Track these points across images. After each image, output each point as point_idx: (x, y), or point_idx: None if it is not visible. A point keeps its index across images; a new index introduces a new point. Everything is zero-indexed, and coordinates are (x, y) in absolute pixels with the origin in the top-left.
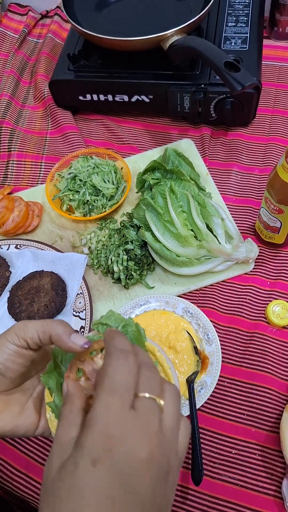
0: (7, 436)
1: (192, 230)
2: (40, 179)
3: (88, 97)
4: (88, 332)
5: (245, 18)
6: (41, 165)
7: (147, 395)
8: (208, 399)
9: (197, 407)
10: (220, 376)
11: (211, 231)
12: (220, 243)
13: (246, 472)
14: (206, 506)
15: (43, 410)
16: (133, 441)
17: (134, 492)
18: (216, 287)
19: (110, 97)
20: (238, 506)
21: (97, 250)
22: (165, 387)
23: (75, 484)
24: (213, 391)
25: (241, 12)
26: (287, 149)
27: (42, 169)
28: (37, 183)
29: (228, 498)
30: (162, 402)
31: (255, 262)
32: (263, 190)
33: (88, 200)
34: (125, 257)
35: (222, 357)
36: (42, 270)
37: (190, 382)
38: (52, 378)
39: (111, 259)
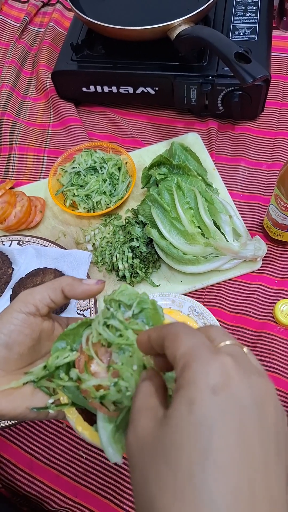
0: (19, 419)
1: (199, 227)
2: (42, 174)
3: (92, 88)
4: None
5: (254, 7)
6: (43, 158)
7: (228, 342)
8: None
9: None
10: None
11: (218, 229)
12: (227, 240)
13: None
14: None
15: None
16: (247, 372)
17: (264, 429)
18: (223, 286)
19: (114, 89)
20: None
21: (102, 247)
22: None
23: (198, 420)
24: None
25: (250, 0)
26: None
27: (45, 163)
28: (39, 178)
29: None
30: (245, 349)
31: (263, 260)
32: (272, 186)
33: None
34: (130, 254)
35: None
36: (46, 267)
37: None
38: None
39: (116, 257)
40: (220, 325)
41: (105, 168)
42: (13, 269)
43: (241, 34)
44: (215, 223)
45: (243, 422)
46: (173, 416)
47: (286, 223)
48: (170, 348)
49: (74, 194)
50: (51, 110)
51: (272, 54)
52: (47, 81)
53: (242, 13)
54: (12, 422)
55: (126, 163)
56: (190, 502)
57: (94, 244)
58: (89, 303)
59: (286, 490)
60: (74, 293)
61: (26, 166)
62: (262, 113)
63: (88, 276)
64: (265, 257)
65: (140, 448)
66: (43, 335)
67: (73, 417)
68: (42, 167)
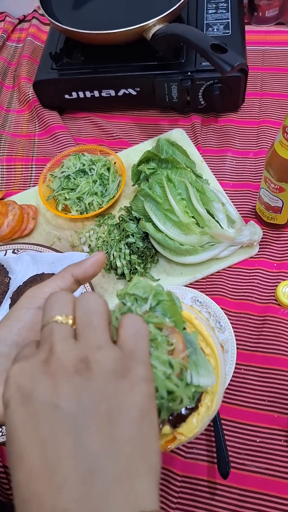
0: None
1: (193, 217)
2: (32, 182)
3: (74, 94)
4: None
5: (225, 4)
6: (31, 167)
7: (49, 320)
8: (227, 388)
9: None
10: (236, 363)
11: (213, 217)
12: (222, 228)
13: (274, 460)
14: (236, 500)
15: None
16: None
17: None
18: (222, 274)
19: (96, 93)
20: (269, 496)
21: (98, 247)
22: (78, 298)
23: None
24: (231, 380)
25: None
26: (283, 125)
27: (33, 172)
28: (29, 186)
29: (258, 489)
30: (69, 320)
31: (260, 245)
32: (260, 173)
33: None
34: (127, 251)
35: (237, 344)
36: (43, 272)
37: None
38: None
39: (113, 255)
40: (224, 313)
41: (94, 169)
42: (10, 278)
43: (215, 30)
44: (208, 212)
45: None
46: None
47: (278, 205)
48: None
49: (66, 198)
50: (36, 120)
51: (247, 48)
52: (29, 92)
53: (214, 11)
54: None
55: (115, 163)
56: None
57: (90, 245)
58: (84, 286)
59: (101, 445)
60: (83, 269)
61: (15, 176)
62: (243, 104)
63: None
64: (261, 242)
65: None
66: None
67: None
68: (31, 176)
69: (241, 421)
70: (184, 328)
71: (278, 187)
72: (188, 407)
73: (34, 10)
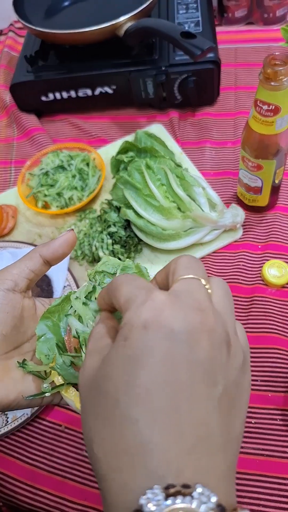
0: (13, 408)
1: (174, 202)
2: (11, 183)
3: (51, 96)
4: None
5: (195, 5)
6: (10, 169)
7: (186, 276)
8: None
9: None
10: None
11: (194, 202)
12: (204, 211)
13: (270, 440)
14: (235, 484)
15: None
16: (183, 306)
17: (194, 358)
18: (208, 259)
19: (73, 93)
20: (267, 477)
21: (79, 240)
22: (210, 277)
23: (127, 354)
24: None
25: (189, 0)
26: (255, 99)
27: (13, 173)
28: (8, 187)
29: (256, 471)
30: (208, 286)
31: (243, 229)
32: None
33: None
34: (110, 241)
35: None
36: None
37: None
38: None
39: (95, 246)
40: None
41: (73, 164)
42: None
43: (186, 28)
44: (189, 197)
45: (170, 352)
46: (110, 353)
47: (258, 185)
48: (115, 301)
49: (45, 195)
50: (14, 125)
51: (220, 47)
52: (7, 99)
53: (184, 11)
54: (4, 431)
55: (94, 159)
56: (116, 425)
57: None
58: (67, 280)
59: (221, 418)
60: (52, 249)
61: None
62: (219, 98)
63: (69, 271)
64: (244, 226)
65: (85, 385)
66: (25, 314)
67: (71, 397)
68: (10, 177)
69: None
70: None
71: (256, 164)
72: None
73: (11, 24)
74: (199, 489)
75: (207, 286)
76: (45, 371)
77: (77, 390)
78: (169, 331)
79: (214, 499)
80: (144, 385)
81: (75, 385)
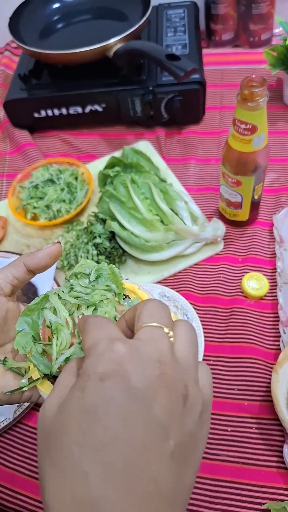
0: None
1: (157, 215)
2: (3, 195)
3: (43, 113)
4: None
5: (183, 28)
6: (2, 182)
7: (150, 324)
8: None
9: None
10: (204, 355)
11: (176, 215)
12: (186, 224)
13: (245, 448)
14: (209, 491)
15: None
16: (142, 359)
17: (150, 415)
18: (189, 271)
19: (64, 111)
20: (242, 484)
21: (66, 251)
22: (176, 322)
23: (83, 406)
24: None
25: (178, 23)
26: (233, 118)
27: (4, 186)
28: (0, 199)
29: (231, 478)
30: (171, 333)
31: (224, 242)
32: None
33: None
34: (95, 252)
35: (205, 336)
36: None
37: None
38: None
39: (80, 256)
40: (193, 307)
41: (61, 178)
42: None
43: (174, 50)
44: (172, 210)
45: (127, 408)
46: (67, 402)
47: (238, 200)
48: (83, 341)
49: (35, 207)
50: (7, 140)
51: (206, 68)
52: (0, 115)
53: (173, 34)
54: None
55: (83, 173)
56: (69, 477)
57: None
58: (53, 289)
59: (172, 473)
60: (35, 260)
61: None
62: (205, 117)
63: (55, 280)
64: (225, 239)
65: (43, 431)
66: (9, 315)
67: (47, 391)
68: (1, 190)
69: (212, 412)
70: (127, 296)
71: (236, 180)
72: None
73: (7, 44)
74: None
75: (170, 334)
76: (24, 369)
77: (53, 384)
78: (126, 385)
79: None
80: (99, 440)
81: (50, 379)
